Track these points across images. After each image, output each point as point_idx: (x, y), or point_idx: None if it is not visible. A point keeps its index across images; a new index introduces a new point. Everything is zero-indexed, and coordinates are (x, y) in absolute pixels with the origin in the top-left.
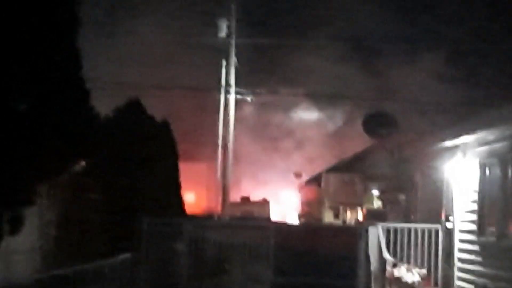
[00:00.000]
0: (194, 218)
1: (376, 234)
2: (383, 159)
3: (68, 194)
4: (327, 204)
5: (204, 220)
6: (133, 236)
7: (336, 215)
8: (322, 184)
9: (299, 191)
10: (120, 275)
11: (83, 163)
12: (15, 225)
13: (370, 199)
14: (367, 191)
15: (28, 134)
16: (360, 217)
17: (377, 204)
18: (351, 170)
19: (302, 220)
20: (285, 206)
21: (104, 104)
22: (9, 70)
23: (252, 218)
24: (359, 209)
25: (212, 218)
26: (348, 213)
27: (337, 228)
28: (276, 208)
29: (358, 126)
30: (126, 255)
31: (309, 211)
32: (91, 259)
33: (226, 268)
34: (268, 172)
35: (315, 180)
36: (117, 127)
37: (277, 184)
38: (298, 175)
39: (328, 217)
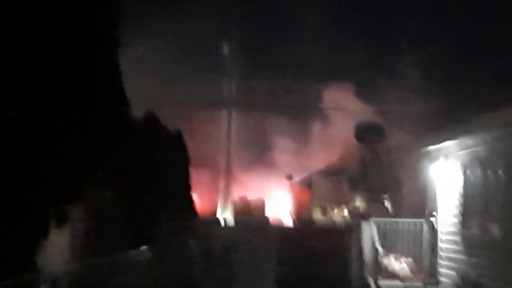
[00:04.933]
0: (204, 216)
1: (370, 228)
2: (368, 163)
3: (98, 195)
4: (315, 203)
5: (213, 218)
6: (153, 232)
7: (324, 213)
8: (312, 186)
9: (291, 192)
10: (143, 265)
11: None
12: (61, 221)
13: (355, 198)
14: (352, 191)
15: (70, 143)
16: (346, 215)
17: (361, 203)
18: (338, 172)
19: (293, 217)
20: (279, 205)
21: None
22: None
23: (251, 216)
24: (344, 207)
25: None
26: (335, 211)
27: (333, 226)
28: (271, 207)
29: (345, 134)
30: (147, 248)
31: (300, 209)
32: (118, 251)
33: (234, 260)
34: (263, 175)
35: (305, 182)
36: (138, 137)
37: (271, 185)
38: (289, 177)
39: (316, 215)
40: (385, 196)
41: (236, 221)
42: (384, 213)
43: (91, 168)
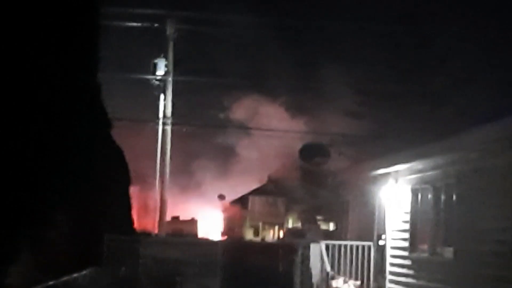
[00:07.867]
0: (149, 236)
1: (319, 250)
2: (309, 184)
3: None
4: (248, 223)
5: (158, 237)
6: (96, 252)
7: (256, 233)
8: (249, 205)
9: (223, 211)
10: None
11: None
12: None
13: (290, 219)
14: (288, 212)
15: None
16: (281, 235)
17: (295, 223)
18: (274, 193)
19: (225, 237)
20: (210, 224)
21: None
22: None
23: (182, 235)
24: (278, 227)
25: (165, 236)
26: (270, 231)
27: (278, 244)
28: (202, 226)
29: (283, 154)
30: (91, 270)
31: (232, 229)
32: (61, 273)
33: (178, 280)
34: (195, 195)
35: (238, 202)
36: (80, 156)
37: (203, 205)
38: (221, 197)
39: (248, 235)
40: (322, 217)
41: (186, 239)
42: (321, 234)
43: (35, 190)
